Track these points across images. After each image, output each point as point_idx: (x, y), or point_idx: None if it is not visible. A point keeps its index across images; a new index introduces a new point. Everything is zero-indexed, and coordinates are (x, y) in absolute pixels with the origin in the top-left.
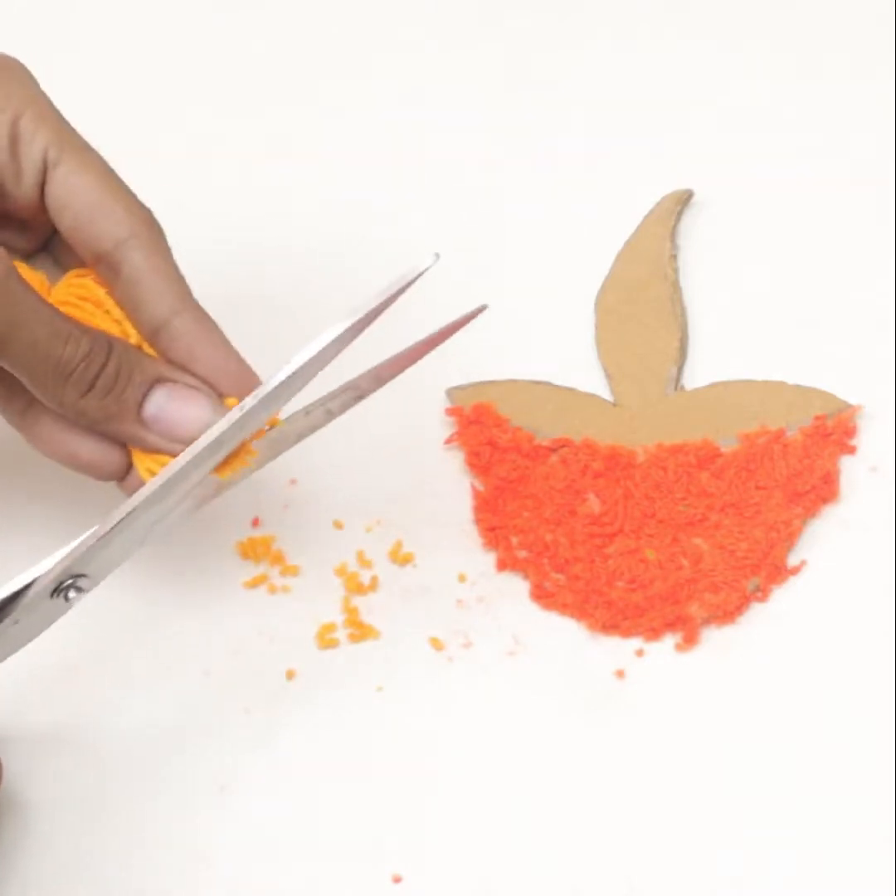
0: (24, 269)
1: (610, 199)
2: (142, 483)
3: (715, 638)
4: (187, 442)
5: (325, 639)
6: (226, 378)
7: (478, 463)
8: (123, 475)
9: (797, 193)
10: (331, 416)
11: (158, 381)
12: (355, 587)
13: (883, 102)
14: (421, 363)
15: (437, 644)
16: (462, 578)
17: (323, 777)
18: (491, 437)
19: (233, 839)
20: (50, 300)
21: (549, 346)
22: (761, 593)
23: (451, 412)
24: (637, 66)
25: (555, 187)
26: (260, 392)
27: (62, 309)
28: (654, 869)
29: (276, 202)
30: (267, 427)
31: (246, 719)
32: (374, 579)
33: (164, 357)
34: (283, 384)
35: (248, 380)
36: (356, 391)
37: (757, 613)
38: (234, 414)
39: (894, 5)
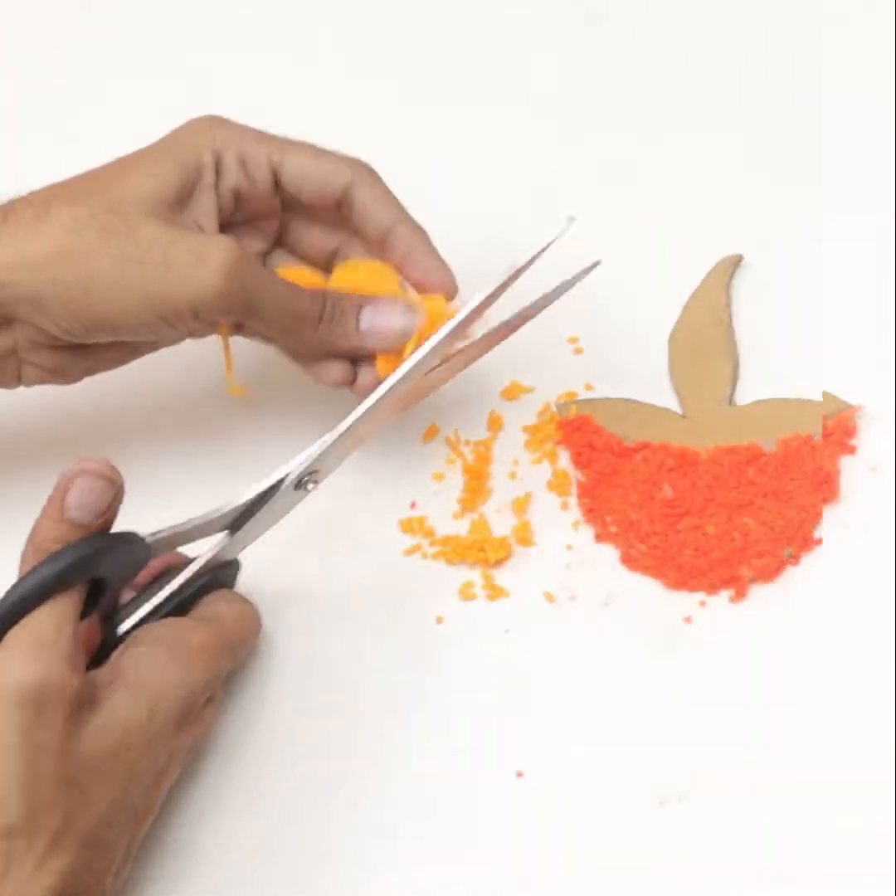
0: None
1: (679, 262)
2: (370, 385)
3: (759, 593)
4: (396, 339)
5: (466, 592)
6: (432, 274)
7: (580, 460)
8: (352, 381)
9: (819, 258)
10: (486, 350)
11: (362, 304)
12: (490, 558)
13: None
14: (544, 383)
15: (550, 597)
16: (569, 548)
17: (462, 695)
18: (590, 440)
19: (397, 750)
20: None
21: (634, 374)
22: (794, 559)
23: (560, 423)
24: (703, 153)
25: (639, 253)
26: (451, 323)
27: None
28: (710, 762)
29: None
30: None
31: (403, 654)
32: (505, 550)
33: (389, 258)
34: (472, 312)
35: (448, 278)
36: (503, 334)
37: (791, 574)
38: (439, 335)
39: None
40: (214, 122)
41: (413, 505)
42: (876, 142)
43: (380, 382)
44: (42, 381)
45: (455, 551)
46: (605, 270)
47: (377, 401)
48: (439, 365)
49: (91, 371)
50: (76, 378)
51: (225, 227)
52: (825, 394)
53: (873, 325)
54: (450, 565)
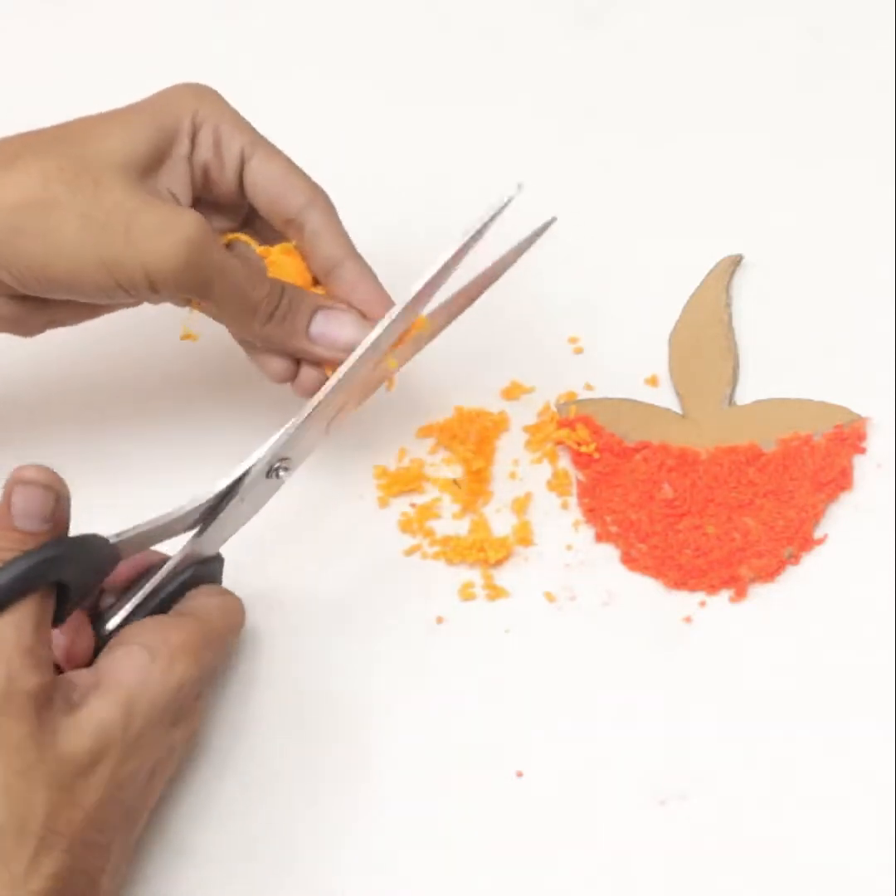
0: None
1: (680, 262)
2: (311, 384)
3: (759, 593)
4: (344, 350)
5: (466, 592)
6: (376, 307)
7: (580, 460)
8: (293, 378)
9: (819, 258)
10: (451, 318)
11: (318, 308)
12: (490, 558)
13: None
14: (544, 383)
15: (549, 597)
16: (569, 548)
17: (462, 695)
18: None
19: (395, 751)
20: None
21: (634, 374)
22: (794, 559)
23: (560, 423)
24: (701, 155)
25: (639, 253)
26: (394, 311)
27: (269, 258)
28: (710, 762)
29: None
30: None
31: (403, 654)
32: (505, 550)
33: (333, 290)
34: (411, 302)
35: (390, 308)
36: (467, 298)
37: (791, 574)
38: (383, 324)
39: None
40: (200, 92)
41: (412, 505)
42: (876, 141)
43: (322, 381)
44: None
45: (455, 551)
46: (604, 270)
47: (338, 383)
48: (399, 343)
49: (51, 324)
50: (35, 330)
51: (195, 202)
52: (843, 408)
53: (879, 357)
54: (450, 565)
